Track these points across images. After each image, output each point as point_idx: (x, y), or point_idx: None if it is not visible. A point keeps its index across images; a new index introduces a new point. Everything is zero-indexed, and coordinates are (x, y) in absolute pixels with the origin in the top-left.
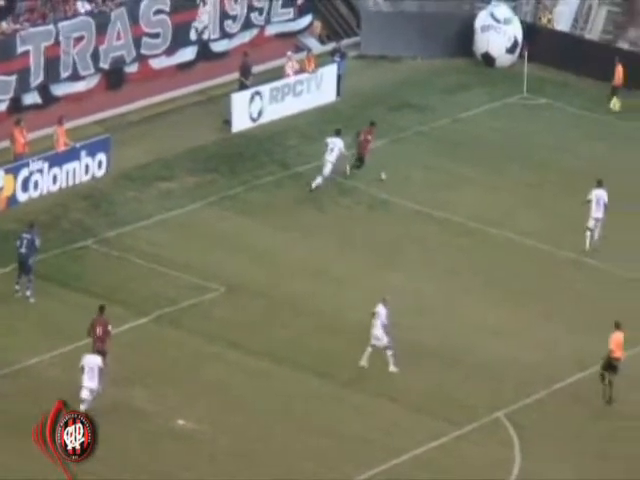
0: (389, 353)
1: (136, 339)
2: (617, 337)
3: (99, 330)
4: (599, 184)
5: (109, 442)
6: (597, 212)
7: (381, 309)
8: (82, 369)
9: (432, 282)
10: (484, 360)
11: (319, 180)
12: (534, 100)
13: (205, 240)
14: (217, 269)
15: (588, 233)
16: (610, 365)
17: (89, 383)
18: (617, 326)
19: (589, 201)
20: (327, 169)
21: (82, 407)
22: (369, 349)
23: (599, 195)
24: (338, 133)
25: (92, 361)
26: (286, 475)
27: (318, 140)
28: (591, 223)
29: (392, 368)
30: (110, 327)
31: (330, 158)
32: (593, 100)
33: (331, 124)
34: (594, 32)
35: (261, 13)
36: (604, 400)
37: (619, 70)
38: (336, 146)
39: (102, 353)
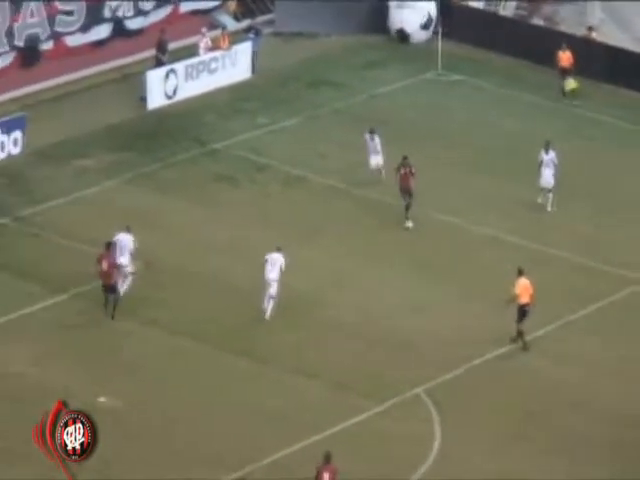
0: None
1: (53, 317)
2: (522, 282)
3: (105, 265)
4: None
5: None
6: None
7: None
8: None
9: (351, 259)
10: (404, 337)
11: None
12: (449, 77)
13: (121, 217)
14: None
15: (550, 195)
16: (522, 311)
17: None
18: (520, 272)
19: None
20: None
21: None
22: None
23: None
24: None
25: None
26: (205, 450)
27: (233, 117)
28: (544, 182)
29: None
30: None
31: None
32: (507, 77)
33: (246, 101)
34: (508, 8)
35: None
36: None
37: (567, 54)
38: None
39: (111, 288)
